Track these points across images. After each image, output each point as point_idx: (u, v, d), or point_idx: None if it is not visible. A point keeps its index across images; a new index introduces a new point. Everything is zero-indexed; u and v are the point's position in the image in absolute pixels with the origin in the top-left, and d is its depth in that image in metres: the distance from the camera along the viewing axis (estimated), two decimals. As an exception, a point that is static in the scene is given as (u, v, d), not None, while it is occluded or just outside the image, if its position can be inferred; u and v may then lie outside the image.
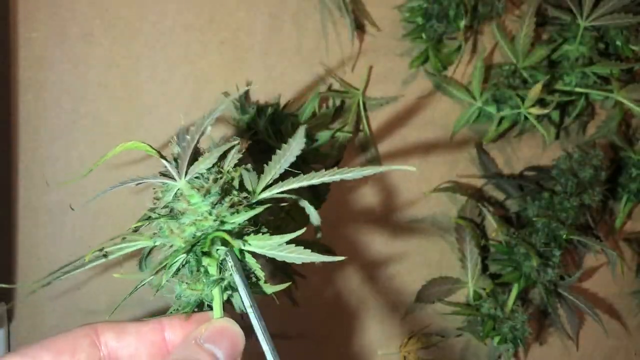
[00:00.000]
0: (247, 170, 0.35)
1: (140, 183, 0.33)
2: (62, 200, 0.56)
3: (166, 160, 0.33)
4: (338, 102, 0.63)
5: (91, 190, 0.57)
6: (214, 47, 0.59)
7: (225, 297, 0.34)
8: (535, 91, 0.60)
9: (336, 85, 0.64)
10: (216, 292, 0.33)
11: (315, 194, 0.60)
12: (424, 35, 0.65)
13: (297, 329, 0.63)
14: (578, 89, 0.66)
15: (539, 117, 0.65)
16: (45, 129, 0.55)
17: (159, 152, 0.32)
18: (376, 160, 0.65)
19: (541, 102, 0.64)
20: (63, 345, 0.32)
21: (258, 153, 0.57)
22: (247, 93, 0.61)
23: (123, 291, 0.59)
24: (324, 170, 0.34)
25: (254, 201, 0.35)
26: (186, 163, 0.32)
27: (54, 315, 0.57)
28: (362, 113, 0.63)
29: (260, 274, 0.34)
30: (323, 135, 0.61)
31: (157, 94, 0.58)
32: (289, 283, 0.37)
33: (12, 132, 0.54)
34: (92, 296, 0.57)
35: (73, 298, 0.57)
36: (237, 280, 0.32)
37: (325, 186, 0.61)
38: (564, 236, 0.63)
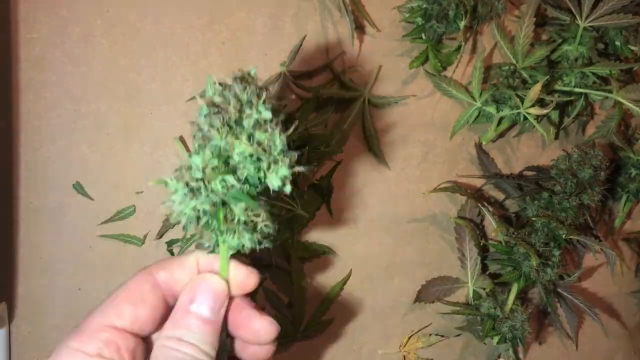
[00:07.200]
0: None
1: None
2: (63, 200, 0.56)
3: None
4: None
5: (90, 190, 0.57)
6: (214, 47, 0.60)
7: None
8: (534, 91, 0.61)
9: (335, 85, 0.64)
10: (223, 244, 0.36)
11: (321, 193, 0.61)
12: (423, 36, 0.65)
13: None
14: (577, 89, 0.66)
15: (538, 117, 0.65)
16: (46, 129, 0.55)
17: None
18: (382, 161, 0.65)
19: (540, 102, 0.64)
20: (134, 297, 0.36)
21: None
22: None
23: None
24: None
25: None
26: None
27: (55, 315, 0.57)
28: (367, 112, 0.63)
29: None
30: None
31: (157, 94, 0.58)
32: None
33: (12, 132, 0.55)
34: (93, 296, 0.57)
35: (74, 298, 0.57)
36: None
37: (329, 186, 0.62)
38: (564, 236, 0.63)
